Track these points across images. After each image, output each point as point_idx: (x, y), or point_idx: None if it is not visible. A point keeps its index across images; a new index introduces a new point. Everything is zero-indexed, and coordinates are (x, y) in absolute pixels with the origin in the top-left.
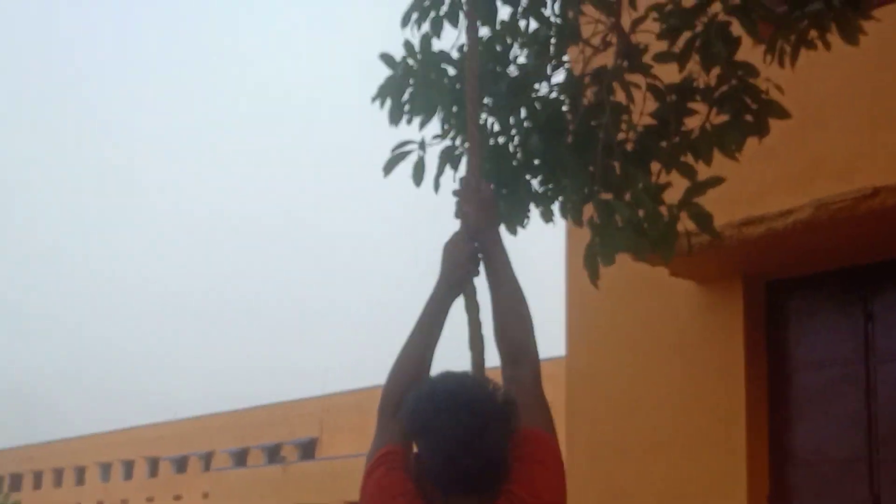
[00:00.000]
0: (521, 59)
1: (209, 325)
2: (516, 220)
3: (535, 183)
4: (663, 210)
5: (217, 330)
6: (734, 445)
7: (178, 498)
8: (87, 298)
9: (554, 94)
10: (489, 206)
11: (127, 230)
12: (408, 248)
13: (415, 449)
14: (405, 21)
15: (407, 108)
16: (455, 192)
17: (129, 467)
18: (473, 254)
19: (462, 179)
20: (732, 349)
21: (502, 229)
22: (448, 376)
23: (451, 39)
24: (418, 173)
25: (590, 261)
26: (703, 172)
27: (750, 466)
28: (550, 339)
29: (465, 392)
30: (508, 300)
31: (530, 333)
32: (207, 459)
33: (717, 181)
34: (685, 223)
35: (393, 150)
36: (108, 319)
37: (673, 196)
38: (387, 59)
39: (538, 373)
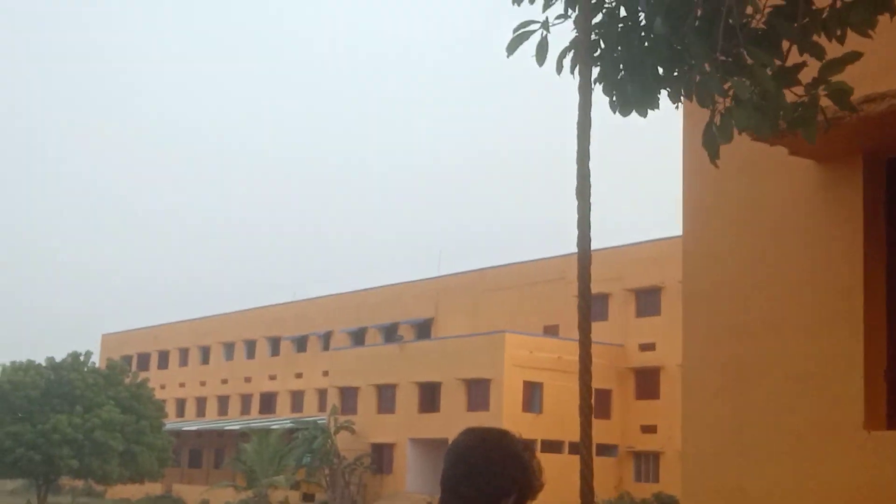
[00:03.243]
0: None
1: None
2: (647, 102)
3: (660, 66)
4: (798, 90)
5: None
6: (852, 323)
7: (298, 376)
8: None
9: None
10: None
11: None
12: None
13: None
14: None
15: None
16: None
17: (251, 347)
18: None
19: None
20: (851, 226)
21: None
22: (465, 433)
23: None
24: (542, 53)
25: (709, 139)
26: (833, 54)
27: (867, 343)
28: (669, 218)
29: (461, 446)
30: None
31: None
32: (326, 339)
33: (854, 56)
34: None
35: (515, 30)
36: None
37: (806, 77)
38: None
39: None
